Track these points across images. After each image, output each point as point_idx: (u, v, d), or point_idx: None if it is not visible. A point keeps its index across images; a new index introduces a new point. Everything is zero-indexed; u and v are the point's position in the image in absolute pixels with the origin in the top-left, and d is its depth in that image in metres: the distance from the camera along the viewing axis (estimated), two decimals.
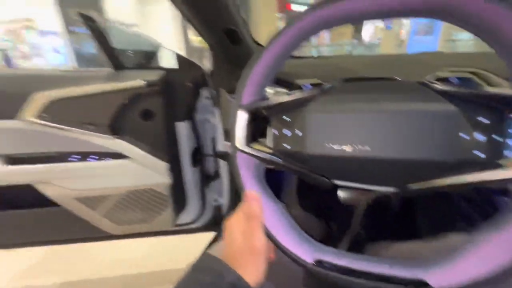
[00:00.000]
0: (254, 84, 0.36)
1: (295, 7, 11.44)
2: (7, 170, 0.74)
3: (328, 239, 0.40)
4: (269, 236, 0.35)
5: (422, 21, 4.40)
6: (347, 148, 0.31)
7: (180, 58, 0.83)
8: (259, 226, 0.33)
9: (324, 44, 6.31)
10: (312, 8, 0.30)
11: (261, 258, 0.33)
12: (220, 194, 1.00)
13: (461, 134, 0.27)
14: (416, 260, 0.31)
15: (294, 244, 0.35)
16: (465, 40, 3.96)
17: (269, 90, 0.52)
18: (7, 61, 6.02)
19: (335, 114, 0.32)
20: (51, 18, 5.29)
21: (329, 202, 0.59)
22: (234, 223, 0.35)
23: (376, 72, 0.68)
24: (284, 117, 0.36)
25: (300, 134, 0.34)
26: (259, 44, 0.82)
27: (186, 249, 1.01)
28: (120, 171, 0.77)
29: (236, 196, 0.95)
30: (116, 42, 0.75)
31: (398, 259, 0.32)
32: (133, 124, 0.75)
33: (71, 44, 5.08)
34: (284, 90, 0.53)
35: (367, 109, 0.31)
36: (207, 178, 0.96)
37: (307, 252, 0.34)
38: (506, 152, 0.27)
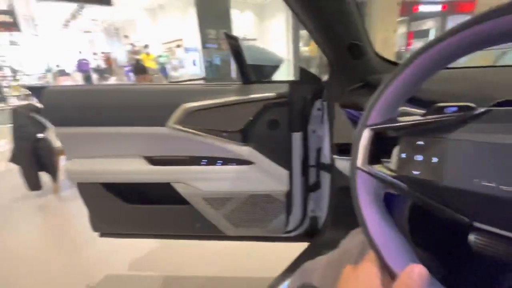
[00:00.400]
0: (386, 103, 0.35)
1: (423, 8, 9.85)
2: (151, 169, 0.86)
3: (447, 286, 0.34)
4: (389, 270, 0.32)
5: None
6: (506, 188, 0.26)
7: (302, 70, 0.87)
8: None
9: None
10: (481, 17, 0.24)
11: None
12: (318, 206, 0.99)
13: None
14: None
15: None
16: None
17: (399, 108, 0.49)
18: (163, 71, 8.08)
19: (492, 145, 0.27)
20: (194, 38, 6.68)
21: (455, 243, 0.49)
22: (367, 277, 0.30)
23: None
24: (418, 141, 0.32)
25: (435, 161, 0.30)
26: (382, 58, 0.77)
27: (276, 256, 1.05)
28: (245, 175, 0.84)
29: (335, 210, 0.91)
30: (248, 58, 0.83)
31: None
32: (260, 132, 0.81)
33: (203, 58, 6.24)
34: (416, 110, 0.47)
35: None
36: (309, 189, 0.96)
37: None
38: None
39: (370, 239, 0.33)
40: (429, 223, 0.52)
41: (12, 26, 7.84)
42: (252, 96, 0.80)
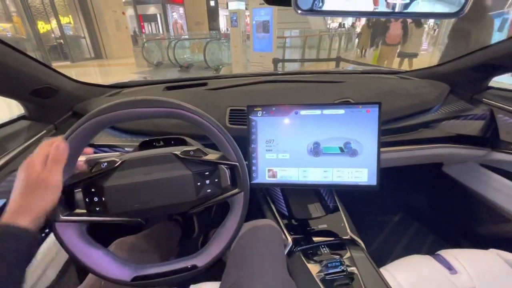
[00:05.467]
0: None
1: None
2: None
3: None
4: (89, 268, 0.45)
5: None
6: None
7: None
8: (61, 166, 0.40)
9: None
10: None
11: (51, 191, 0.39)
12: None
13: None
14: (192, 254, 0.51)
15: (112, 269, 0.46)
16: None
17: None
18: None
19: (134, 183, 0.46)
20: None
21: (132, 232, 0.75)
22: (33, 162, 0.39)
23: None
24: (91, 189, 0.45)
25: (103, 199, 0.45)
26: (83, 83, 0.89)
27: None
28: None
29: None
30: None
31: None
32: None
33: None
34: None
35: None
36: None
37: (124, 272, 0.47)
38: None
39: (91, 270, 0.45)
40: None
41: None
42: None
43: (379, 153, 0.63)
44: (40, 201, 0.38)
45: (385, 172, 0.71)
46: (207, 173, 0.48)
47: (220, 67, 6.60)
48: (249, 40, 5.77)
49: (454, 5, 0.45)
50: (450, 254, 0.66)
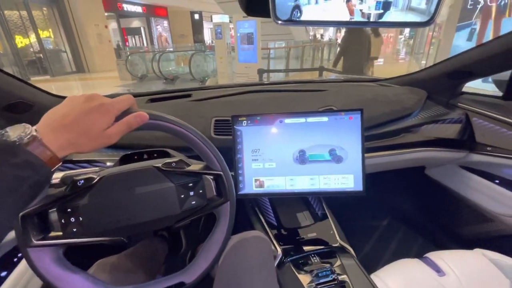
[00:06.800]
0: None
1: (127, 7, 10.53)
2: None
3: None
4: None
5: None
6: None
7: None
8: (126, 131, 0.37)
9: None
10: None
11: (101, 142, 0.35)
12: None
13: None
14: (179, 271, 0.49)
15: None
16: None
17: None
18: None
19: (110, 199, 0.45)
20: None
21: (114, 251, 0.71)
22: (109, 106, 0.35)
23: None
24: (67, 209, 0.41)
25: (80, 219, 0.41)
26: (58, 96, 0.84)
27: None
28: None
29: None
30: None
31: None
32: None
33: None
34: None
35: None
36: None
37: None
38: None
39: None
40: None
41: None
42: None
43: (363, 158, 0.63)
44: (87, 144, 0.34)
45: (370, 177, 0.72)
46: (190, 184, 0.46)
47: (206, 78, 6.63)
48: (234, 51, 5.88)
49: (424, 15, 0.48)
50: (438, 256, 0.67)
